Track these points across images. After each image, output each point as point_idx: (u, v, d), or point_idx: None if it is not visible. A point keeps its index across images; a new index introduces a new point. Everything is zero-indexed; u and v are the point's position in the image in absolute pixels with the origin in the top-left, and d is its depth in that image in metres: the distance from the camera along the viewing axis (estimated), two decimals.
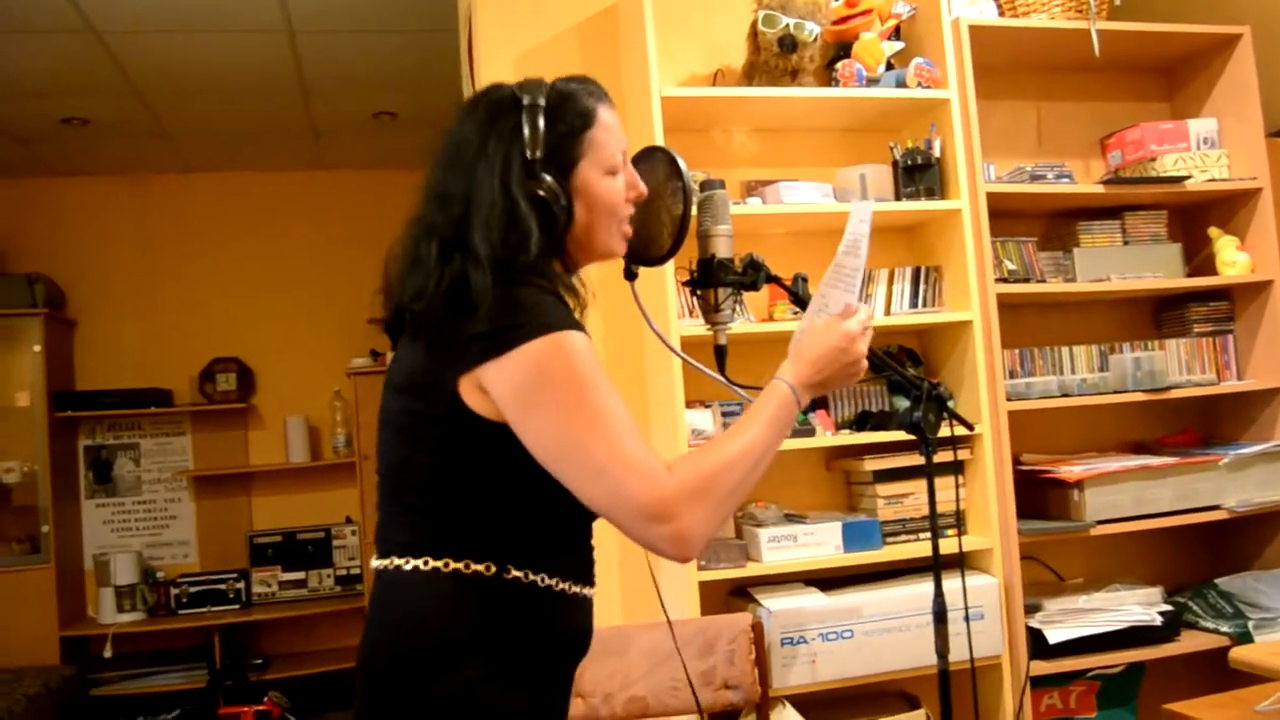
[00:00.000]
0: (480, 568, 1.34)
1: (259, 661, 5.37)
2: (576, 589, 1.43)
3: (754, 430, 1.39)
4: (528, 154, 1.38)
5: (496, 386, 1.30)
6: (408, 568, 1.36)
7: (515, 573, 1.35)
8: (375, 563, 1.42)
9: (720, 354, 1.71)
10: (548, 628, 1.40)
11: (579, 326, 1.34)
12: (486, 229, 1.34)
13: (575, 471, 1.30)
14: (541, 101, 1.42)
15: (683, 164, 1.58)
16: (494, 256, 1.32)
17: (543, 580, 1.38)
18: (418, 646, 1.34)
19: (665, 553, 1.30)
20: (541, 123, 1.40)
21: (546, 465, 1.31)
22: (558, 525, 1.41)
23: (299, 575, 5.58)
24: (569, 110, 1.44)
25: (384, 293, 1.45)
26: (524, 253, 1.34)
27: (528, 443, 1.31)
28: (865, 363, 1.54)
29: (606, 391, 1.31)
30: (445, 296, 1.33)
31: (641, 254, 1.63)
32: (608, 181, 1.47)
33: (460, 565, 1.34)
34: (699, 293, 1.70)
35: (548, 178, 1.39)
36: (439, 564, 1.35)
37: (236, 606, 5.38)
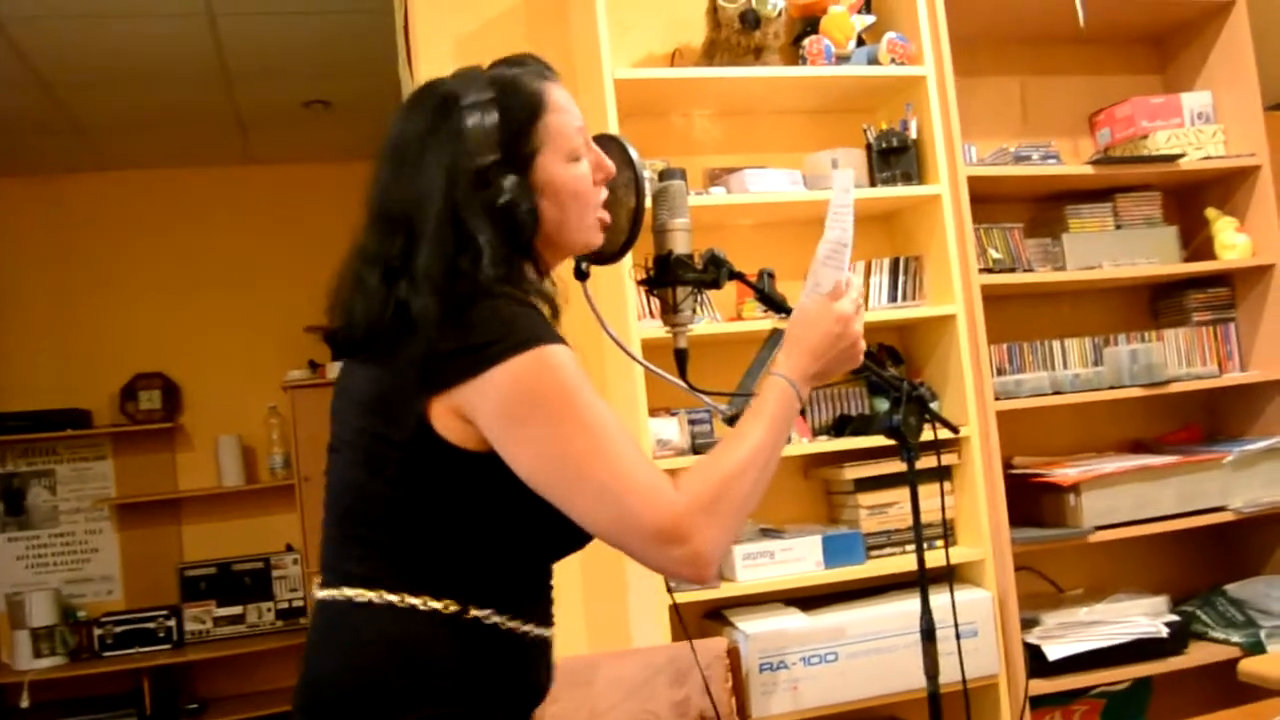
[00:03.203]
0: (439, 605, 1.33)
1: (194, 706, 5.31)
2: (538, 631, 1.43)
3: (759, 433, 1.40)
4: (479, 160, 1.36)
5: (477, 409, 1.29)
6: (360, 600, 1.35)
7: (476, 612, 1.35)
8: (321, 592, 1.40)
9: (681, 358, 1.71)
10: (507, 670, 1.39)
11: (560, 338, 1.33)
12: (432, 251, 1.32)
13: (575, 497, 1.29)
14: (485, 96, 1.39)
15: (634, 153, 1.58)
16: (442, 280, 1.31)
17: (504, 622, 1.37)
18: (367, 685, 1.33)
19: (680, 575, 1.30)
20: (489, 121, 1.38)
21: (541, 491, 1.30)
22: (522, 563, 1.41)
23: (236, 610, 5.53)
24: (516, 100, 1.41)
25: (329, 315, 1.43)
26: (478, 273, 1.32)
27: (517, 469, 1.30)
28: (863, 343, 1.55)
29: (598, 406, 1.31)
30: (393, 324, 1.32)
31: (593, 251, 1.62)
32: (571, 169, 1.45)
33: (418, 601, 1.33)
34: (656, 292, 1.70)
35: (506, 182, 1.37)
36: (394, 599, 1.33)
37: (168, 647, 5.32)
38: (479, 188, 1.36)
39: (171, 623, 5.36)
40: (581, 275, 1.64)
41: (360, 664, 1.34)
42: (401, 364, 1.32)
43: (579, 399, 1.29)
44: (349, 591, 1.36)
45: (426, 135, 1.39)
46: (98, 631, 5.28)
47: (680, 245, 1.67)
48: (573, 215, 1.46)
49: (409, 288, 1.32)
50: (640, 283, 1.72)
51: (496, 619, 1.36)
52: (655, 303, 2.52)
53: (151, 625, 5.32)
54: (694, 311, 1.72)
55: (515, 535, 1.36)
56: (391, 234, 1.36)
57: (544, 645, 1.46)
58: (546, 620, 1.46)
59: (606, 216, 1.53)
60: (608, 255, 1.62)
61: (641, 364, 1.82)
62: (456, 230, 1.33)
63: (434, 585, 1.34)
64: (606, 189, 1.54)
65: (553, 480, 1.30)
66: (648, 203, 1.61)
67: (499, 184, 1.36)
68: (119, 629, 5.28)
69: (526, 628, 1.40)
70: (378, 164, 1.43)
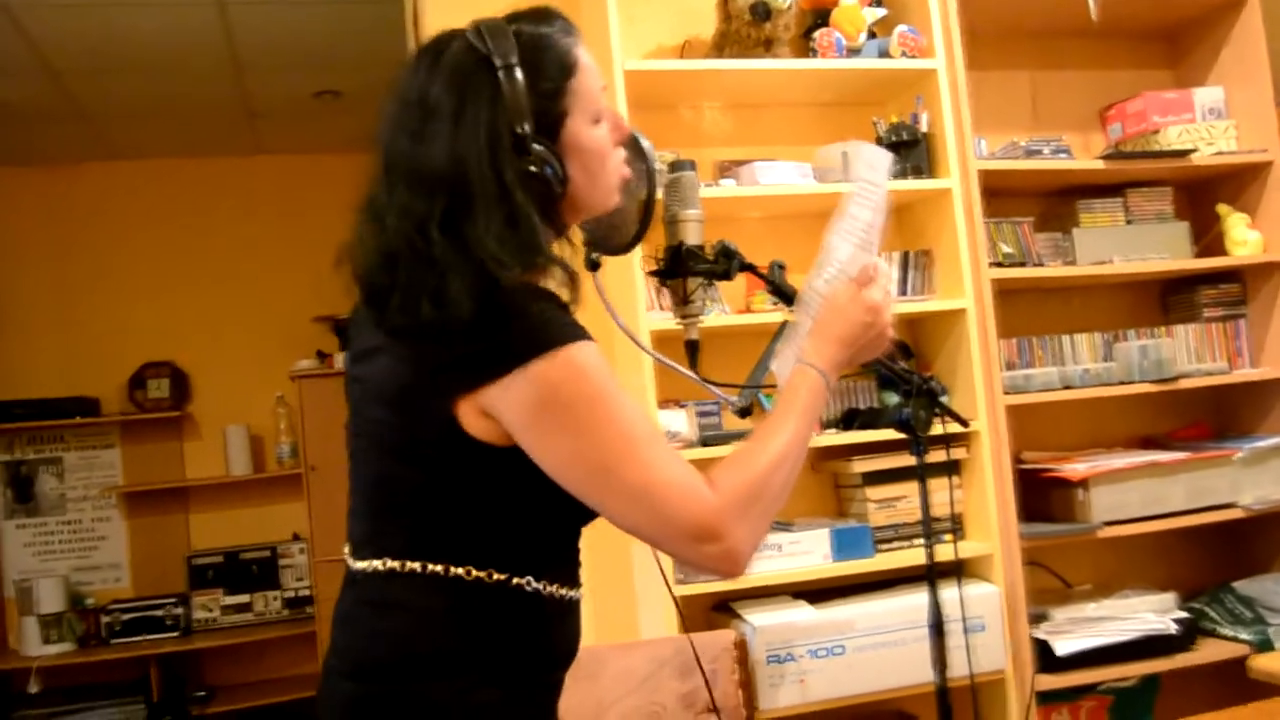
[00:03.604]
0: (482, 574, 1.34)
1: (202, 694, 5.32)
2: (570, 593, 1.44)
3: (791, 425, 1.39)
4: (516, 125, 1.33)
5: (503, 410, 1.28)
6: (403, 571, 1.35)
7: (517, 580, 1.36)
8: (357, 564, 1.40)
9: (692, 349, 1.70)
10: (545, 633, 1.41)
11: (584, 333, 1.31)
12: (488, 224, 1.29)
13: (608, 497, 1.30)
14: (514, 60, 1.35)
15: (646, 144, 1.56)
16: (499, 257, 1.27)
17: (544, 587, 1.38)
18: (413, 652, 1.34)
19: (714, 571, 1.32)
20: (523, 84, 1.34)
21: (572, 490, 1.30)
22: (555, 532, 1.42)
23: (243, 599, 5.54)
24: (547, 61, 1.39)
25: (356, 281, 1.38)
26: (532, 250, 1.31)
27: (547, 468, 1.29)
28: (892, 331, 1.54)
29: (626, 404, 1.30)
30: (435, 299, 1.27)
31: (604, 242, 1.62)
32: (596, 131, 1.43)
33: (461, 571, 1.34)
34: (668, 283, 1.69)
35: (537, 147, 1.34)
36: (437, 569, 1.34)
37: (175, 634, 5.33)
38: (516, 153, 1.33)
39: (179, 611, 5.37)
40: (593, 266, 1.63)
41: (412, 630, 1.35)
42: (425, 358, 1.31)
43: (607, 400, 1.29)
44: (392, 563, 1.36)
45: (463, 93, 1.34)
46: (105, 619, 5.29)
47: (692, 236, 1.66)
48: (597, 178, 1.44)
49: (466, 259, 1.27)
50: (652, 273, 1.72)
51: (535, 585, 1.37)
52: (666, 294, 2.51)
53: (159, 613, 5.33)
54: (705, 303, 1.71)
55: (549, 508, 1.36)
56: (432, 194, 1.31)
57: (575, 606, 1.47)
58: (577, 582, 1.47)
59: (627, 171, 1.51)
60: (619, 246, 1.62)
61: (653, 355, 1.82)
62: (504, 199, 1.30)
63: (475, 556, 1.34)
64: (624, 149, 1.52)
65: (584, 482, 1.30)
66: (659, 194, 1.60)
67: (534, 151, 1.34)
68: (127, 616, 5.30)
69: (562, 591, 1.41)
70: (397, 116, 1.37)
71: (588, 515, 1.39)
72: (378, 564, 1.37)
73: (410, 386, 1.33)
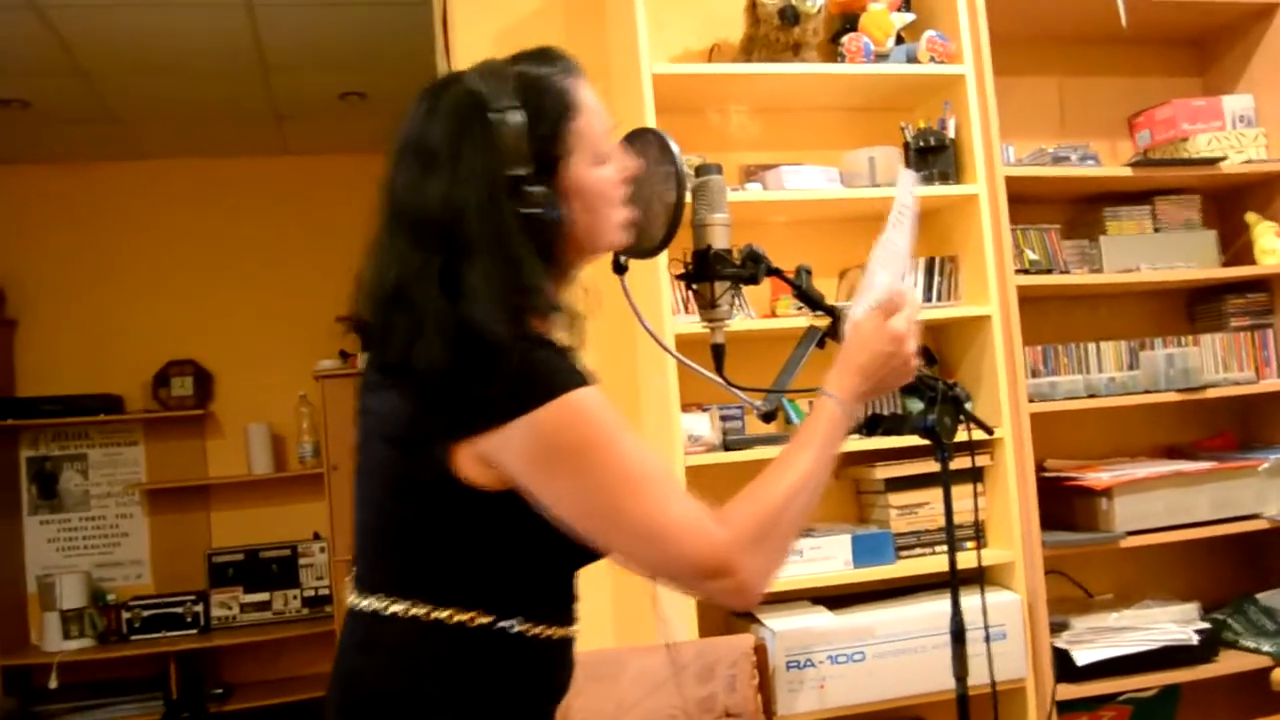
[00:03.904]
0: (466, 618, 1.34)
1: (219, 691, 5.35)
2: (562, 633, 1.44)
3: (807, 457, 1.39)
4: (513, 170, 1.32)
5: (505, 459, 1.28)
6: (390, 613, 1.36)
7: (503, 623, 1.36)
8: (352, 599, 1.42)
9: (718, 353, 1.71)
10: (532, 675, 1.41)
11: (584, 378, 1.31)
12: (487, 270, 1.29)
13: (615, 538, 1.31)
14: (516, 100, 1.34)
15: (675, 147, 1.57)
16: (505, 303, 1.28)
17: (530, 629, 1.38)
18: (399, 692, 1.35)
19: (727, 604, 1.34)
20: (520, 128, 1.33)
21: (580, 533, 1.31)
22: (550, 574, 1.42)
23: (262, 597, 5.57)
24: (546, 104, 1.38)
25: (358, 325, 1.40)
26: (531, 295, 1.31)
27: (553, 512, 1.30)
28: (916, 360, 1.54)
29: (631, 446, 1.31)
30: (451, 347, 1.27)
31: (632, 246, 1.62)
32: (599, 172, 1.43)
33: (445, 615, 1.34)
34: (694, 287, 1.70)
35: (534, 189, 1.33)
36: (422, 612, 1.34)
37: (194, 631, 5.36)
38: (514, 198, 1.32)
39: (199, 608, 5.40)
40: (620, 269, 1.64)
41: (393, 673, 1.36)
42: (425, 401, 1.31)
43: (611, 443, 1.29)
44: (385, 601, 1.37)
45: (459, 139, 1.33)
46: (126, 615, 5.32)
47: (719, 240, 1.67)
48: (599, 218, 1.44)
49: (469, 306, 1.27)
50: (679, 277, 1.72)
51: (522, 627, 1.37)
52: (692, 297, 2.52)
53: (179, 610, 5.36)
54: (732, 307, 1.72)
55: (542, 553, 1.37)
56: (429, 246, 1.31)
57: (567, 645, 1.47)
58: (569, 621, 1.47)
59: (631, 214, 1.51)
60: (647, 250, 1.61)
61: (678, 358, 1.83)
62: (502, 243, 1.30)
63: (463, 598, 1.35)
64: (632, 185, 1.52)
65: (591, 525, 1.30)
66: (688, 197, 1.60)
67: (532, 194, 1.33)
68: (147, 613, 5.33)
69: (551, 631, 1.41)
70: (398, 160, 1.38)
71: (583, 559, 1.40)
72: (371, 601, 1.38)
73: (411, 427, 1.33)
